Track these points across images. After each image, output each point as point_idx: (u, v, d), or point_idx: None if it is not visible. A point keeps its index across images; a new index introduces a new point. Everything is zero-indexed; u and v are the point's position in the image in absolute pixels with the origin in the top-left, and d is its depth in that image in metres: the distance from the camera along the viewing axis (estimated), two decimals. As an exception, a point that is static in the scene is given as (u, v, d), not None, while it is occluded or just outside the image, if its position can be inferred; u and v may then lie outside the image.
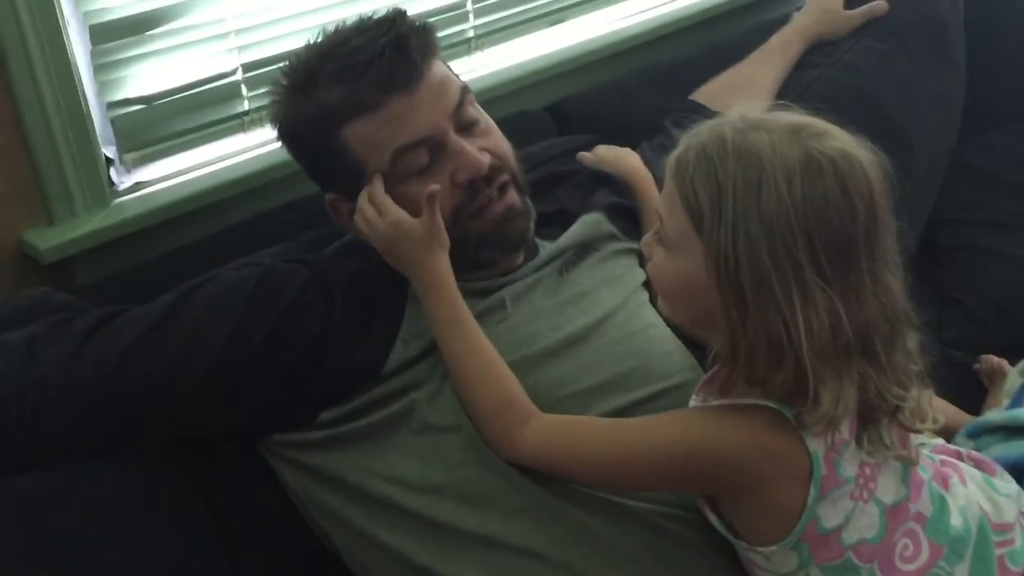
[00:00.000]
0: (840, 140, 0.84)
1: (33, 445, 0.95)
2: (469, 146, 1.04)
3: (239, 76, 1.32)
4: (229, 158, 1.34)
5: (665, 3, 1.81)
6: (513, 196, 1.08)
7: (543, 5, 1.64)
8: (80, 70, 1.18)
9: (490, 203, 1.06)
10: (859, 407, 0.85)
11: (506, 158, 1.08)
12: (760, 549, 0.88)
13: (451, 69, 1.10)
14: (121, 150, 1.25)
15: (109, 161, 1.25)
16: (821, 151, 0.82)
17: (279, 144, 1.34)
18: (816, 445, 0.85)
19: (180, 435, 1.03)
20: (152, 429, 1.01)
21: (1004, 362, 1.26)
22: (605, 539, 0.94)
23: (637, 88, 1.65)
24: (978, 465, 1.02)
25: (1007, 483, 1.00)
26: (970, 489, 0.96)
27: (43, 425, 0.95)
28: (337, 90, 1.02)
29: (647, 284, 1.16)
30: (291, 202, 1.33)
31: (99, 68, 1.20)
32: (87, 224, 1.21)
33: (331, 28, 1.08)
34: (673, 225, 0.88)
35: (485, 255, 1.08)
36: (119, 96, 1.23)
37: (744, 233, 0.81)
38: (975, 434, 1.15)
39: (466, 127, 1.06)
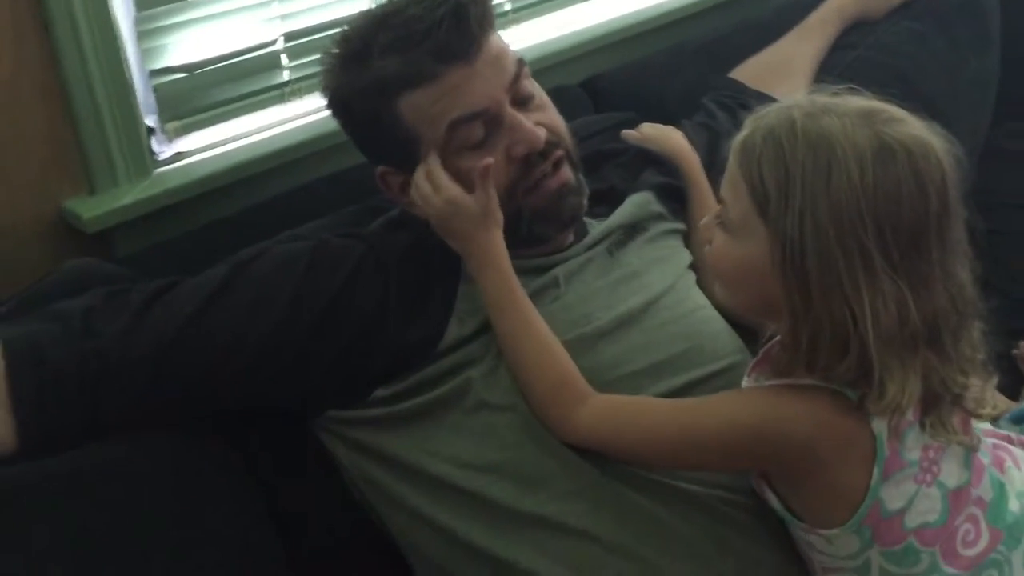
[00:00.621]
0: (913, 126, 0.83)
1: (92, 417, 0.94)
2: (525, 120, 1.03)
3: (280, 46, 1.31)
4: (269, 129, 1.33)
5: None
6: (567, 172, 1.07)
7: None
8: (123, 37, 1.17)
9: (544, 178, 1.05)
10: (922, 393, 0.85)
11: (561, 133, 1.07)
12: (821, 531, 0.88)
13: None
14: (163, 119, 1.24)
15: (150, 131, 1.24)
16: (894, 137, 0.81)
17: (318, 116, 1.35)
18: (880, 427, 0.84)
19: (235, 409, 1.02)
20: (208, 402, 1.00)
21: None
22: (661, 522, 0.94)
23: (670, 65, 1.64)
24: (1031, 450, 1.02)
25: (1063, 468, 1.00)
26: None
27: (102, 397, 0.94)
28: (393, 59, 1.01)
29: (693, 265, 1.16)
30: (332, 175, 1.32)
31: (142, 35, 1.19)
32: (129, 194, 1.20)
33: None
34: (737, 209, 0.87)
35: (539, 231, 1.07)
36: (161, 64, 1.22)
37: (812, 219, 0.80)
38: (1020, 419, 1.15)
39: (522, 101, 1.05)
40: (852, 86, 0.87)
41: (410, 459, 1.00)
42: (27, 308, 1.00)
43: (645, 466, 0.95)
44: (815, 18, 1.62)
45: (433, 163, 1.03)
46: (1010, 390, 1.21)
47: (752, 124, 0.87)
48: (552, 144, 1.05)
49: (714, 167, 1.29)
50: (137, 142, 1.21)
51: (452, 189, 1.02)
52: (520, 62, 1.06)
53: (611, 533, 0.94)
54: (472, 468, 0.98)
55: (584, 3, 1.65)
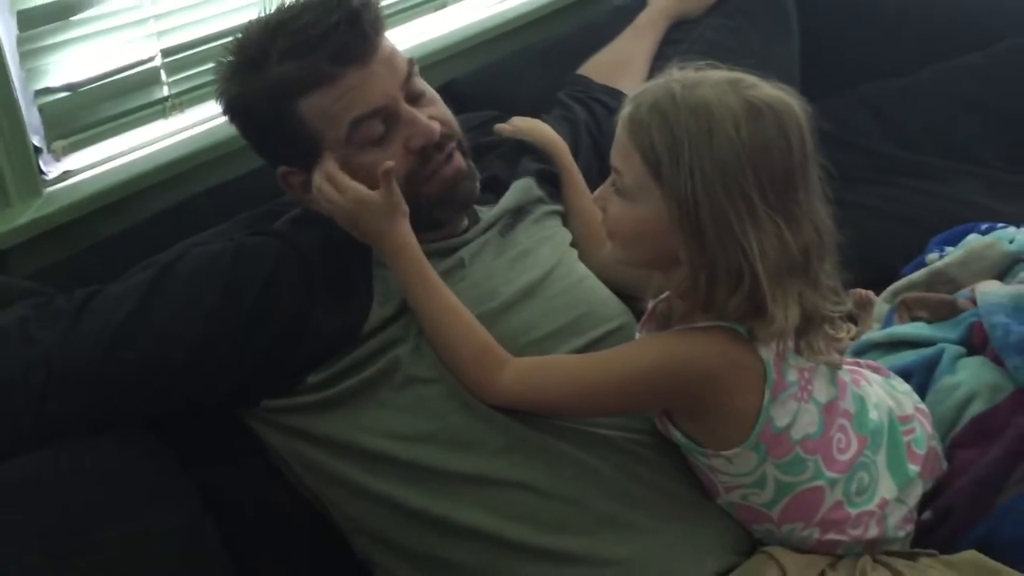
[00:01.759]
0: (770, 88, 0.97)
1: (39, 425, 0.95)
2: (420, 115, 1.11)
3: (158, 62, 1.34)
4: (152, 144, 1.35)
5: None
6: (460, 160, 1.16)
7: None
8: (7, 58, 1.17)
9: (440, 167, 1.13)
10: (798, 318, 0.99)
11: (453, 126, 1.16)
12: (724, 453, 1.00)
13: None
14: (49, 138, 1.24)
15: (37, 151, 1.24)
16: (759, 98, 0.95)
17: (200, 128, 1.39)
18: (766, 354, 0.98)
19: (175, 409, 1.05)
20: (148, 403, 1.03)
21: (871, 292, 1.43)
22: (582, 464, 1.04)
23: (519, 67, 1.76)
24: (875, 371, 1.18)
25: (900, 383, 1.16)
26: (875, 389, 1.11)
27: (49, 404, 0.96)
28: (293, 64, 1.06)
29: (572, 243, 1.27)
30: (217, 185, 1.36)
31: (25, 55, 1.19)
32: (23, 214, 1.20)
33: (276, 5, 1.11)
34: (631, 176, 0.98)
35: (437, 215, 1.15)
36: (44, 84, 1.23)
37: (701, 175, 0.92)
38: (859, 352, 1.32)
39: (415, 97, 1.13)
40: (711, 61, 1.00)
41: (345, 438, 1.06)
42: (-53, 328, 1.00)
43: (564, 417, 1.05)
44: (644, 19, 1.78)
45: (331, 165, 1.09)
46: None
47: (635, 100, 0.98)
48: (446, 136, 1.14)
49: (579, 153, 1.42)
50: (27, 162, 1.21)
51: (356, 189, 1.07)
52: (411, 61, 1.14)
53: (543, 481, 1.03)
54: (406, 439, 1.05)
55: (437, 12, 1.74)
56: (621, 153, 1.00)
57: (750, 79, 0.98)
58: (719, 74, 0.99)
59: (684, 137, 0.94)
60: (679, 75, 0.98)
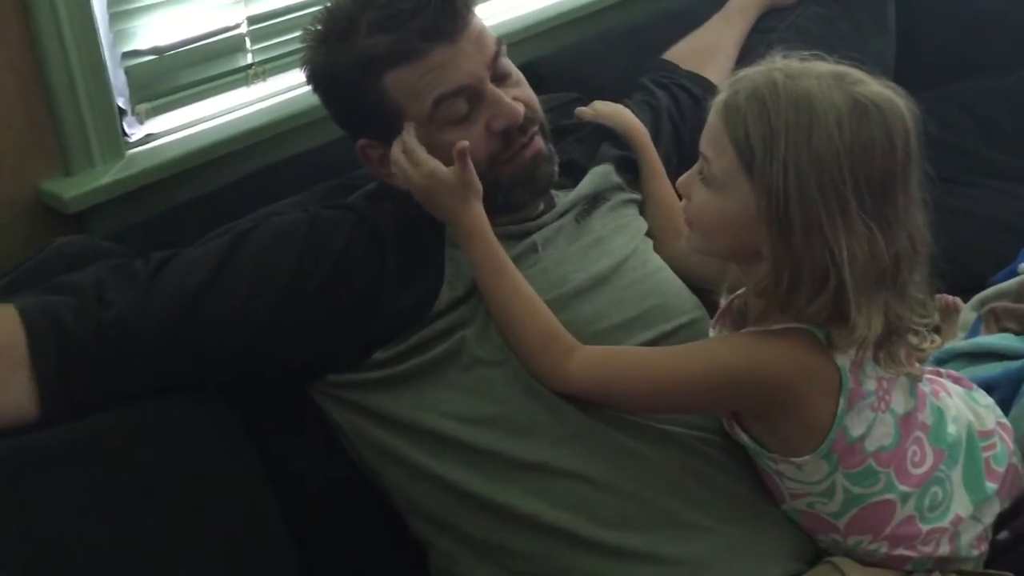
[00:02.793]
0: (878, 85, 0.93)
1: (110, 384, 0.97)
2: (505, 96, 1.09)
3: (244, 29, 1.34)
4: (234, 111, 1.36)
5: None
6: (540, 142, 1.14)
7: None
8: (97, 19, 1.18)
9: (522, 149, 1.12)
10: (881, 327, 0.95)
11: (536, 108, 1.15)
12: (793, 459, 0.97)
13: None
14: (133, 101, 1.26)
15: (121, 112, 1.25)
16: (865, 95, 0.91)
17: (281, 98, 1.39)
18: (843, 361, 0.94)
19: (243, 375, 1.06)
20: (220, 369, 1.04)
21: (958, 300, 1.38)
22: (645, 460, 1.02)
23: (601, 50, 1.73)
24: (956, 382, 1.14)
25: (983, 396, 1.12)
26: (956, 401, 1.07)
27: (122, 365, 0.97)
28: (382, 37, 1.05)
29: (649, 232, 1.25)
30: (295, 155, 1.36)
31: (115, 17, 1.21)
32: (105, 175, 1.22)
33: None
34: (720, 164, 0.94)
35: (515, 197, 1.13)
36: (132, 47, 1.24)
37: (795, 171, 0.89)
38: (943, 361, 1.28)
39: (501, 78, 1.11)
40: (817, 52, 0.96)
41: (408, 416, 1.06)
42: (26, 284, 1.02)
43: (630, 411, 1.03)
44: (735, 5, 1.74)
45: (409, 138, 1.07)
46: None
47: (733, 86, 0.94)
48: (529, 119, 1.12)
49: (659, 140, 1.39)
50: (111, 124, 1.22)
51: (431, 163, 1.06)
52: (499, 41, 1.12)
53: (603, 473, 1.01)
54: (468, 421, 1.04)
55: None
56: (712, 140, 0.96)
57: (857, 74, 0.94)
58: (825, 66, 0.95)
59: (782, 129, 0.90)
60: (782, 64, 0.95)
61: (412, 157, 1.08)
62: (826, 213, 0.89)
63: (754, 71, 0.95)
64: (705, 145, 0.97)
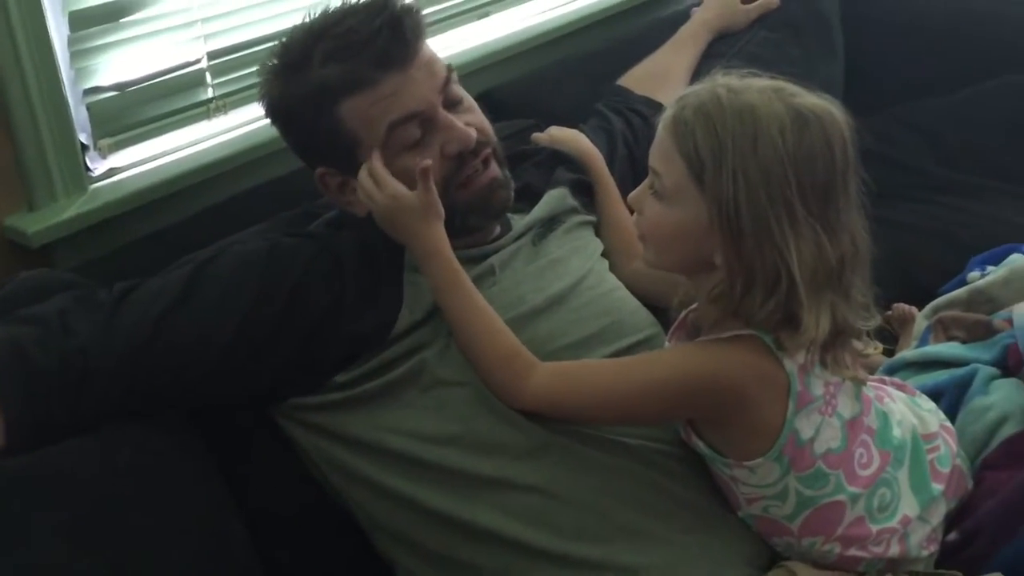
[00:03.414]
0: (814, 97, 0.97)
1: (74, 414, 0.98)
2: (457, 121, 1.12)
3: (204, 64, 1.37)
4: (195, 144, 1.38)
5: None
6: (496, 168, 1.17)
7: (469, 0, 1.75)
8: (58, 57, 1.21)
9: (476, 174, 1.15)
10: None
11: (488, 133, 1.18)
12: (746, 463, 1.00)
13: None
14: (96, 136, 1.28)
15: (84, 148, 1.27)
16: (805, 106, 0.95)
17: (242, 130, 1.42)
18: (791, 366, 0.97)
19: (205, 401, 1.08)
20: (183, 397, 1.05)
21: (914, 308, 1.41)
22: (604, 472, 1.04)
23: (557, 78, 1.77)
24: (899, 388, 1.17)
25: (925, 401, 1.15)
26: (899, 406, 1.10)
27: (85, 394, 0.98)
28: (335, 67, 1.08)
29: (604, 253, 1.28)
30: (255, 186, 1.39)
31: (75, 55, 1.23)
32: (68, 209, 1.24)
33: (319, 11, 1.14)
34: (671, 177, 0.97)
35: (471, 222, 1.16)
36: (94, 83, 1.26)
37: (744, 179, 0.92)
38: (893, 370, 1.31)
39: (453, 104, 1.14)
40: (753, 70, 1.00)
41: (371, 437, 1.07)
42: (-10, 317, 1.03)
43: (589, 423, 1.05)
44: (686, 32, 1.79)
45: (375, 162, 1.10)
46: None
47: (680, 102, 0.98)
48: (482, 143, 1.15)
49: (614, 164, 1.43)
50: (74, 158, 1.25)
51: (395, 186, 1.09)
52: (449, 67, 1.16)
53: (564, 486, 1.03)
54: (431, 441, 1.06)
55: (479, 20, 1.76)
56: (662, 154, 0.99)
57: (794, 87, 0.98)
58: (763, 82, 0.99)
59: (729, 141, 0.94)
60: (723, 80, 0.99)
61: (377, 180, 1.10)
62: (775, 218, 0.92)
63: (699, 87, 0.99)
64: (655, 160, 1.00)
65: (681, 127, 0.96)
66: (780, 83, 0.98)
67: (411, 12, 1.11)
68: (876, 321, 1.01)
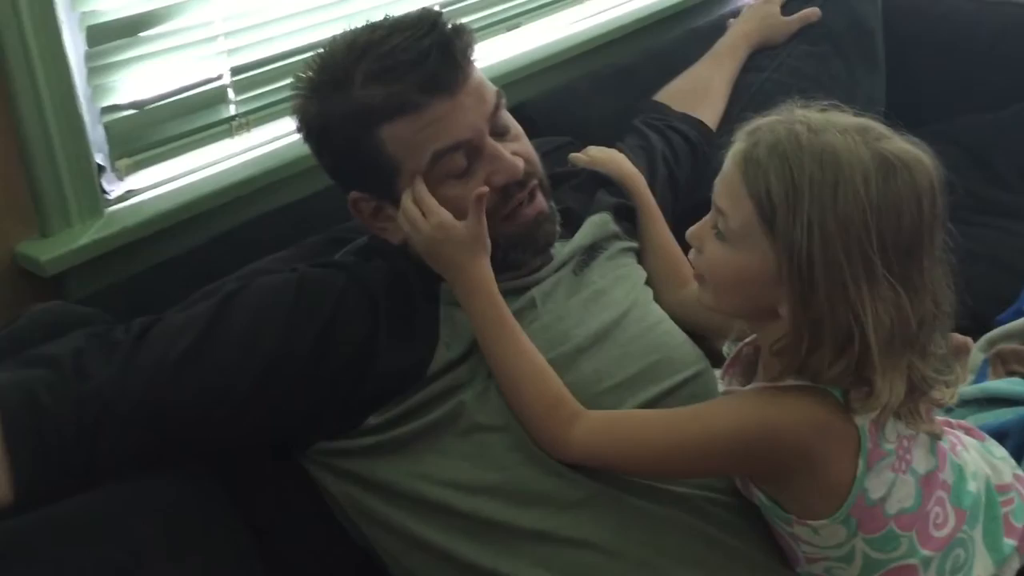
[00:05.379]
0: (903, 142, 0.89)
1: (91, 462, 0.92)
2: (505, 151, 1.06)
3: (227, 80, 1.31)
4: (217, 164, 1.32)
5: (607, 9, 1.89)
6: (542, 201, 1.11)
7: (501, 11, 1.68)
8: (74, 74, 1.14)
9: (521, 206, 1.08)
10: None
11: (536, 164, 1.11)
12: (809, 523, 0.93)
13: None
14: (113, 157, 1.22)
15: (100, 169, 1.21)
16: (892, 152, 0.87)
17: (266, 149, 1.36)
18: (862, 420, 0.90)
19: (230, 447, 1.02)
20: (205, 441, 0.99)
21: (969, 340, 1.34)
22: (654, 523, 0.98)
23: (588, 92, 1.72)
24: (968, 432, 1.10)
25: (997, 448, 1.08)
26: (973, 455, 1.03)
27: (101, 440, 0.92)
28: (378, 89, 1.01)
29: (648, 281, 1.21)
30: (281, 207, 1.33)
31: (92, 72, 1.17)
32: (83, 235, 1.18)
33: (361, 25, 1.07)
34: (738, 219, 0.90)
35: (514, 257, 1.10)
36: (111, 101, 1.20)
37: (820, 231, 0.84)
38: (950, 407, 1.25)
39: (500, 132, 1.08)
40: (835, 102, 0.92)
41: (404, 485, 1.01)
42: (1, 354, 0.97)
43: (640, 476, 0.99)
44: (725, 45, 1.72)
45: (421, 189, 1.04)
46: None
47: (752, 136, 0.90)
48: (529, 174, 1.09)
49: (655, 185, 1.36)
50: (89, 181, 1.19)
51: (442, 214, 1.03)
52: (499, 93, 1.09)
53: (611, 540, 0.97)
54: (468, 490, 1.00)
55: (510, 32, 1.70)
56: (729, 193, 0.91)
57: (881, 128, 0.90)
58: (847, 119, 0.90)
59: (806, 187, 0.86)
60: (802, 115, 0.90)
61: (424, 207, 1.04)
62: (851, 276, 0.85)
63: (774, 121, 0.90)
64: (720, 198, 0.93)
65: (753, 166, 0.88)
66: (866, 122, 0.90)
67: (462, 33, 1.04)
68: (954, 375, 0.94)
